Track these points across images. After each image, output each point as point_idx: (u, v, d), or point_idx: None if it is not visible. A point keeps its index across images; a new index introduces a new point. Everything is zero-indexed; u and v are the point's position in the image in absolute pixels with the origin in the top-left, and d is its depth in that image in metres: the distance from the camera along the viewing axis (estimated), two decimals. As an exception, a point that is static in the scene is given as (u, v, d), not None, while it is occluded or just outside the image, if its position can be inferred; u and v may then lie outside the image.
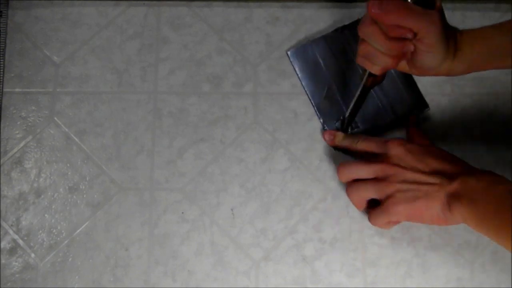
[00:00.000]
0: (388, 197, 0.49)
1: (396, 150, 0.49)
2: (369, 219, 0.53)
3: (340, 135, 0.56)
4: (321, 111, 0.57)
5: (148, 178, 0.56)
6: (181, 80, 0.59)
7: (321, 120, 0.57)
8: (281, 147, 0.57)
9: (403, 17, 0.42)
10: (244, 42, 0.60)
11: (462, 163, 0.48)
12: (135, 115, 0.58)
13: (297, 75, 0.58)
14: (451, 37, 0.46)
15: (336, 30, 0.59)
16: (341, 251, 0.54)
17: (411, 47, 0.45)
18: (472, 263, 0.54)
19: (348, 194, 0.53)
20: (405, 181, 0.48)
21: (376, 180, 0.50)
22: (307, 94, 0.58)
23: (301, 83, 0.58)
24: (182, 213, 0.55)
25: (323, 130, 0.57)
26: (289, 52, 0.59)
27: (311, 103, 0.58)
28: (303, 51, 0.59)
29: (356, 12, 0.61)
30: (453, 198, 0.45)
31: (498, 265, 0.54)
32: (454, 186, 0.46)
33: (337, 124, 0.57)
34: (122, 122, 0.58)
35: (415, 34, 0.43)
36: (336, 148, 0.56)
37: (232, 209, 0.55)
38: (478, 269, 0.54)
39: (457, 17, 0.60)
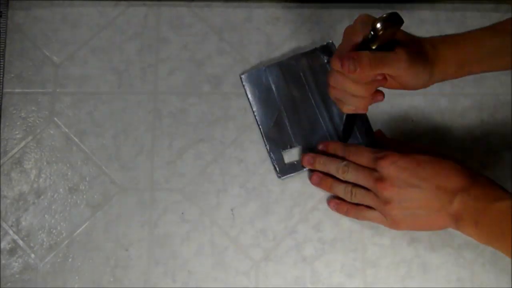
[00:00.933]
0: (391, 217, 0.49)
1: (389, 170, 0.48)
2: (361, 218, 0.53)
3: (320, 159, 0.54)
4: (268, 138, 0.56)
5: (148, 178, 0.56)
6: (181, 80, 0.59)
7: (267, 147, 0.56)
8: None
9: (374, 68, 0.43)
10: (244, 42, 0.60)
11: (458, 174, 0.47)
12: (135, 115, 0.58)
13: (248, 99, 0.58)
14: (422, 58, 0.46)
15: (292, 58, 0.58)
16: (341, 251, 0.54)
17: (383, 83, 0.46)
18: (472, 263, 0.54)
19: (350, 215, 0.54)
20: (405, 202, 0.48)
21: (379, 200, 0.49)
22: (256, 120, 0.57)
23: (251, 108, 0.57)
24: (182, 213, 0.55)
25: (270, 157, 0.56)
26: (242, 76, 0.58)
27: (259, 129, 0.57)
28: (256, 76, 0.58)
29: (356, 12, 0.60)
30: (456, 219, 0.46)
31: (498, 265, 0.54)
32: (455, 207, 0.46)
33: (285, 151, 0.56)
34: (122, 122, 0.58)
35: (384, 77, 0.45)
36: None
37: (232, 210, 0.55)
38: (478, 269, 0.54)
39: (457, 17, 0.60)
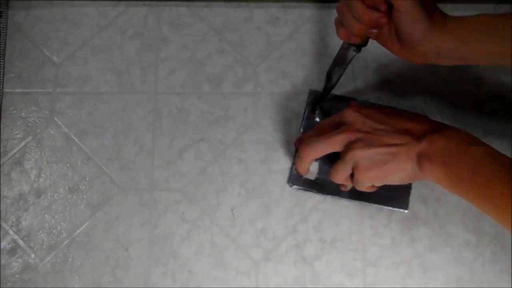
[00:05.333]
0: (356, 164, 0.47)
1: (353, 117, 0.47)
2: (331, 176, 0.50)
3: (304, 139, 0.52)
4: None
5: (148, 178, 0.56)
6: (181, 80, 0.59)
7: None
8: (281, 147, 0.57)
9: None
10: (244, 42, 0.60)
11: (426, 120, 0.47)
12: (135, 115, 0.58)
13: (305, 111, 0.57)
14: (434, 8, 0.45)
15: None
16: (341, 251, 0.54)
17: (383, 20, 0.44)
18: (472, 263, 0.54)
19: (332, 176, 0.50)
20: (371, 146, 0.46)
21: (347, 147, 0.47)
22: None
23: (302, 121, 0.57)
24: (182, 213, 0.55)
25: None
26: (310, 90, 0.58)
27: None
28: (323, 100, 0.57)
29: (356, 12, 0.61)
30: (423, 158, 0.44)
31: (498, 265, 0.54)
32: (423, 145, 0.44)
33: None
34: (122, 122, 0.58)
35: (389, 7, 0.44)
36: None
37: (232, 209, 0.56)
38: (478, 269, 0.54)
39: (457, 17, 0.60)
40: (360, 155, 0.46)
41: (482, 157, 0.42)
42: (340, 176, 0.49)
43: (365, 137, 0.46)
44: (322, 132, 0.49)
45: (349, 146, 0.47)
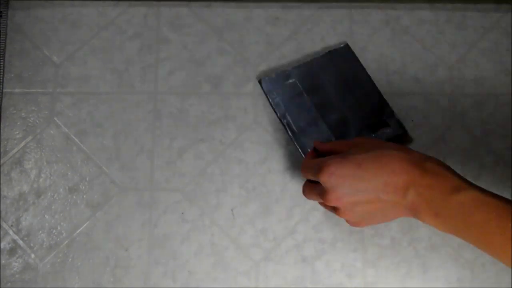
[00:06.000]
0: (347, 219, 0.48)
1: (330, 183, 0.45)
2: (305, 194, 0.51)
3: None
4: (299, 138, 0.56)
5: (148, 178, 0.56)
6: (181, 80, 0.59)
7: (299, 149, 0.56)
8: (281, 147, 0.57)
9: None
10: (244, 42, 0.60)
11: (402, 163, 0.44)
12: (135, 115, 0.58)
13: (270, 102, 0.57)
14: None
15: (310, 61, 0.58)
16: (341, 251, 0.54)
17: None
18: (472, 263, 0.54)
19: (307, 197, 0.52)
20: (356, 207, 0.46)
21: (333, 208, 0.48)
22: (282, 122, 0.57)
23: (275, 111, 0.57)
24: (182, 213, 0.55)
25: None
26: (263, 79, 0.58)
27: (287, 131, 0.56)
28: (278, 78, 0.58)
29: (356, 12, 0.61)
30: (415, 212, 0.44)
31: (498, 265, 0.54)
32: (410, 200, 0.43)
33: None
34: (122, 122, 0.58)
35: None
36: None
37: (232, 210, 0.55)
38: (478, 269, 0.54)
39: (457, 17, 0.60)
40: (348, 217, 0.47)
41: (469, 203, 0.41)
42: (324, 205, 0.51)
43: (348, 202, 0.45)
44: (307, 177, 0.50)
45: (335, 210, 0.47)
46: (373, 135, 0.56)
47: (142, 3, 0.61)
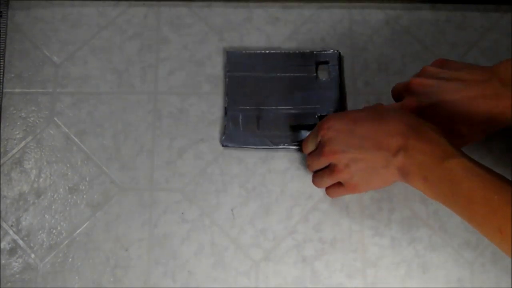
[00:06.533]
0: (345, 181, 0.49)
1: (327, 135, 0.48)
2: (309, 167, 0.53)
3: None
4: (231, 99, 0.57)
5: (148, 178, 0.56)
6: (181, 80, 0.59)
7: (226, 105, 0.57)
8: (281, 147, 0.57)
9: None
10: (244, 42, 0.60)
11: (398, 125, 0.45)
12: (135, 115, 0.58)
13: (225, 72, 0.58)
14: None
15: (283, 54, 0.58)
16: (341, 251, 0.54)
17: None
18: (472, 263, 0.54)
19: (316, 185, 0.54)
20: (351, 164, 0.47)
21: (329, 169, 0.50)
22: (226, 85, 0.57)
23: (225, 79, 0.58)
24: (182, 213, 0.55)
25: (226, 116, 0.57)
26: (228, 52, 0.58)
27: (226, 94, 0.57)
28: (242, 57, 0.58)
29: (356, 12, 0.61)
30: (405, 173, 0.45)
31: (498, 265, 0.54)
32: (400, 161, 0.44)
33: None
34: (122, 122, 0.58)
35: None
36: None
37: (232, 209, 0.55)
38: (478, 269, 0.54)
39: (457, 17, 0.60)
40: (345, 177, 0.48)
41: (458, 171, 0.42)
42: (323, 182, 0.52)
43: (343, 157, 0.47)
44: (307, 150, 0.53)
45: (335, 166, 0.49)
46: (321, 82, 0.56)
47: (142, 3, 0.61)
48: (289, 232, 0.55)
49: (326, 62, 0.58)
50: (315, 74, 0.57)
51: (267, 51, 0.58)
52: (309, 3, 0.61)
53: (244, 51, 0.58)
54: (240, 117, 0.56)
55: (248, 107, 0.56)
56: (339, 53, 0.58)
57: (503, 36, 0.60)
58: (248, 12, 0.61)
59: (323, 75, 0.57)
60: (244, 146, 0.56)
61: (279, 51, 0.58)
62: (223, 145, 0.56)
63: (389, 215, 0.55)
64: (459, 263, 0.54)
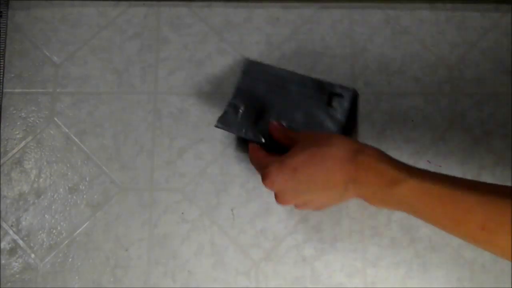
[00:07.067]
0: (307, 210, 0.50)
1: (275, 189, 0.47)
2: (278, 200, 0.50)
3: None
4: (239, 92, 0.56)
5: (148, 178, 0.56)
6: (181, 80, 0.59)
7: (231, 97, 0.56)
8: (281, 147, 0.57)
9: None
10: (244, 42, 0.60)
11: (336, 160, 0.44)
12: (135, 115, 0.58)
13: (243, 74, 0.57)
14: None
15: (300, 76, 0.57)
16: (341, 251, 0.54)
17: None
18: (472, 263, 0.54)
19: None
20: (308, 203, 0.47)
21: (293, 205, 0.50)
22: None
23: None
24: (182, 213, 0.55)
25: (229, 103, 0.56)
26: (249, 59, 0.58)
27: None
28: (259, 68, 0.57)
29: (356, 12, 0.61)
30: (362, 198, 0.45)
31: (498, 265, 0.54)
32: (353, 192, 0.44)
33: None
34: (122, 122, 0.58)
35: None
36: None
37: (232, 210, 0.55)
38: (478, 269, 0.54)
39: (457, 17, 0.60)
40: (304, 209, 0.49)
41: (410, 196, 0.41)
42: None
43: (297, 200, 0.47)
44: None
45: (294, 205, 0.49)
46: (330, 109, 0.55)
47: (142, 3, 0.61)
48: (289, 232, 0.55)
49: (341, 95, 0.56)
50: (326, 101, 0.55)
51: (287, 69, 0.57)
52: (309, 3, 0.61)
53: (263, 63, 0.58)
54: (242, 108, 0.55)
55: (252, 106, 0.56)
56: (355, 91, 0.56)
57: (503, 36, 0.60)
58: (248, 12, 0.61)
59: (335, 104, 0.55)
60: (236, 133, 0.54)
61: (298, 73, 0.57)
62: (216, 125, 0.54)
63: (389, 215, 0.55)
64: (459, 263, 0.54)
